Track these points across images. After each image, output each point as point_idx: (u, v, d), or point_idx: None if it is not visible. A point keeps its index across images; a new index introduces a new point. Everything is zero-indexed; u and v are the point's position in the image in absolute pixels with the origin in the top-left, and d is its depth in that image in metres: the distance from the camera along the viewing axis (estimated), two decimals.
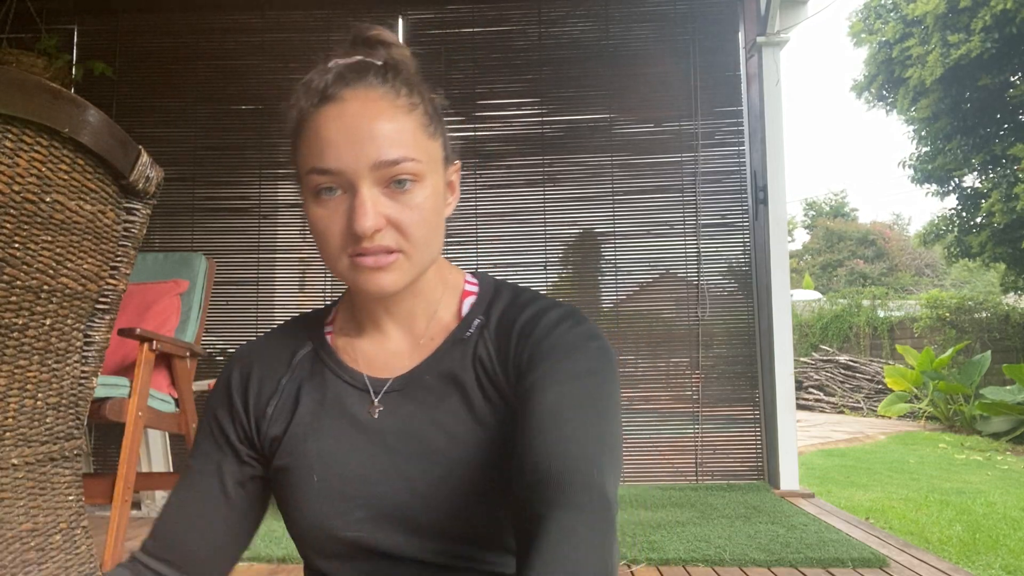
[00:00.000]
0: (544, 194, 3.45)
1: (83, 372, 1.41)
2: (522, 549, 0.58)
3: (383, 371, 0.76)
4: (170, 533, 0.76)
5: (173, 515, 0.77)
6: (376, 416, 0.74)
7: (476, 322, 0.75)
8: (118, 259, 1.41)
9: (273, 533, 2.32)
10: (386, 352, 0.76)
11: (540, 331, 0.70)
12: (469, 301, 0.77)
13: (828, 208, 30.15)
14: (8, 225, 1.14)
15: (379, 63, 0.73)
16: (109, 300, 1.43)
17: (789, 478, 3.05)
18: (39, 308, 1.26)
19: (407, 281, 0.69)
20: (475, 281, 0.80)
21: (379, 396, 0.74)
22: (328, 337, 0.80)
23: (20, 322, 1.22)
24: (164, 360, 2.50)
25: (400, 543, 0.70)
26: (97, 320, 1.41)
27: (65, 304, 1.32)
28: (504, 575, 0.72)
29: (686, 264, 3.39)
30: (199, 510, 0.76)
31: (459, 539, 0.70)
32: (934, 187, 11.45)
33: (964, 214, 11.19)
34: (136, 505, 2.81)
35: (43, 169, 1.17)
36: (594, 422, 0.63)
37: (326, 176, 0.66)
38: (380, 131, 0.65)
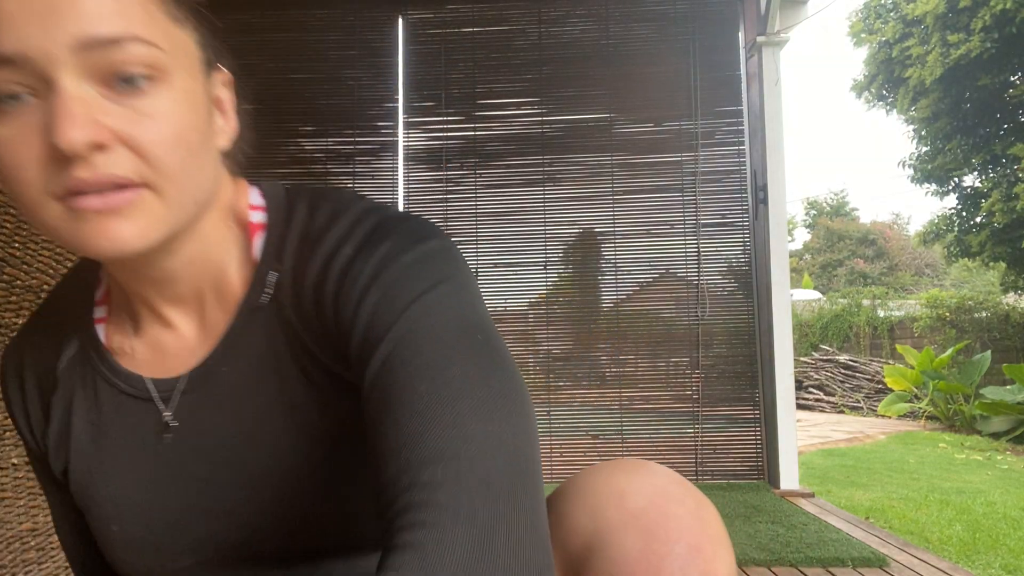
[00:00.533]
0: (544, 194, 3.44)
1: None
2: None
3: (169, 369, 0.55)
4: (93, 563, 0.63)
5: (81, 549, 0.63)
6: (169, 435, 0.54)
7: (270, 278, 0.53)
8: None
9: None
10: (171, 343, 0.55)
11: (336, 279, 0.49)
12: (259, 242, 0.54)
13: (828, 208, 30.15)
14: (8, 225, 1.14)
15: None
16: None
17: (789, 478, 3.05)
18: None
19: (161, 232, 0.45)
20: (262, 205, 0.57)
21: (168, 405, 0.54)
22: (99, 327, 0.57)
23: (20, 322, 1.22)
24: None
25: None
26: None
27: None
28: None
29: (686, 264, 3.39)
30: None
31: (309, 556, 0.55)
32: (934, 187, 11.45)
33: (964, 214, 11.18)
34: None
35: None
36: (444, 396, 0.43)
37: (3, 69, 0.41)
38: None
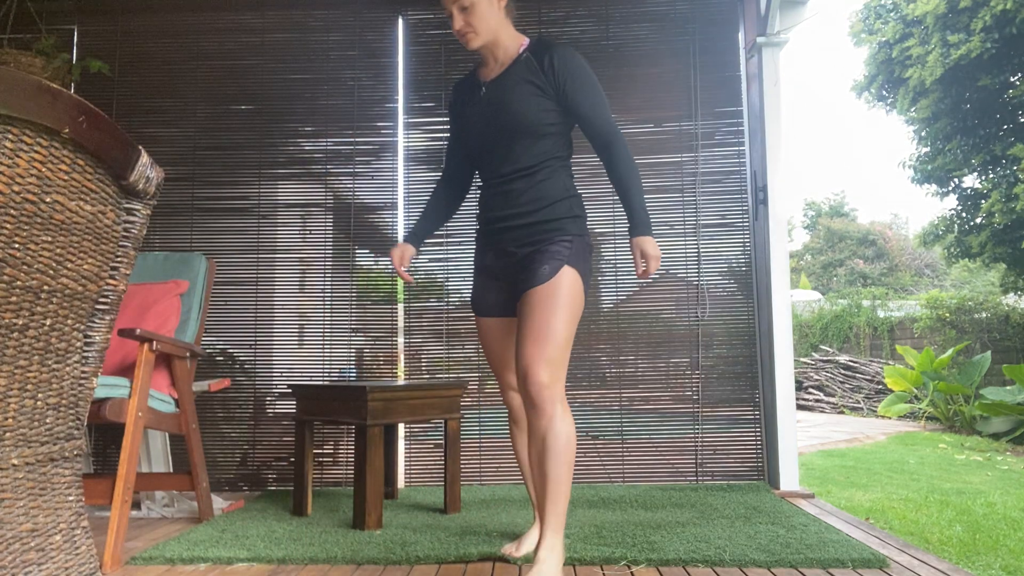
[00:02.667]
0: None
1: (83, 372, 1.40)
2: (604, 158, 1.91)
3: (487, 76, 1.94)
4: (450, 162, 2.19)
5: (451, 161, 2.19)
6: (483, 93, 1.91)
7: (524, 53, 1.88)
8: (118, 260, 1.41)
9: (273, 534, 2.31)
10: (490, 71, 1.94)
11: (550, 58, 1.83)
12: (524, 44, 1.90)
13: (827, 208, 30.16)
14: (8, 225, 1.14)
15: None
16: (109, 300, 1.42)
17: (789, 478, 3.05)
18: (39, 308, 1.26)
19: (482, 42, 1.87)
20: (526, 40, 1.91)
21: (485, 85, 1.92)
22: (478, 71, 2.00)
23: (20, 322, 1.22)
24: (164, 360, 2.50)
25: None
26: (97, 320, 1.41)
27: (65, 305, 1.32)
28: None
29: (686, 264, 3.39)
30: None
31: (514, 156, 1.88)
32: (934, 187, 11.45)
33: (964, 214, 11.18)
34: (136, 505, 2.81)
35: (43, 169, 1.17)
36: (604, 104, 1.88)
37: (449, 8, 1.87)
38: None
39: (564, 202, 1.89)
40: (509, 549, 2.02)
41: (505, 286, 1.94)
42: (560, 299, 1.76)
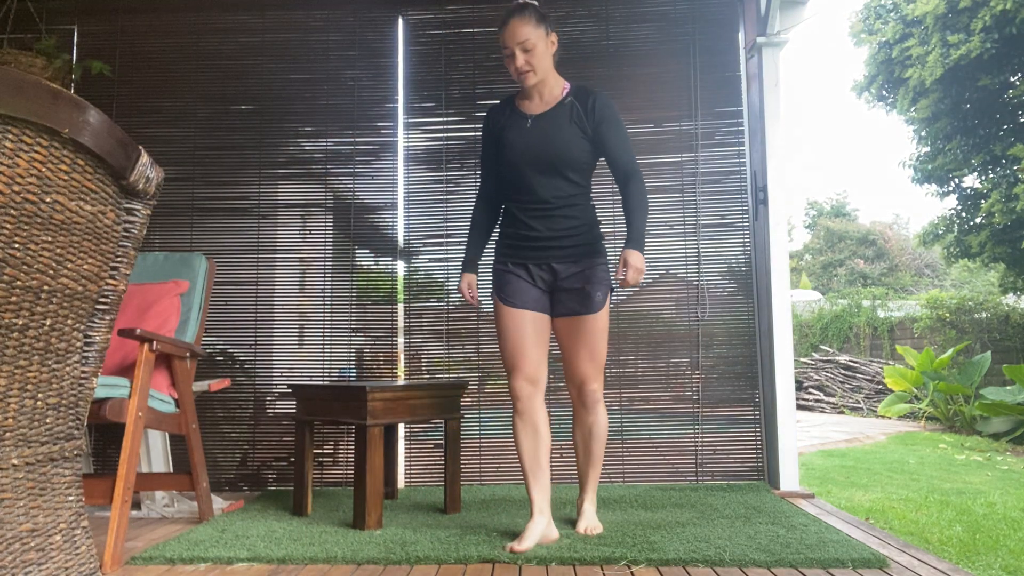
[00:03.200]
0: None
1: (83, 372, 1.40)
2: (623, 190, 2.19)
3: (531, 111, 2.26)
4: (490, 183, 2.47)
5: (490, 181, 2.44)
6: (528, 124, 2.23)
7: (567, 97, 2.23)
8: (118, 259, 1.41)
9: (273, 534, 2.31)
10: (534, 105, 2.26)
11: (592, 101, 2.21)
12: (567, 88, 2.26)
13: (828, 208, 30.16)
14: (8, 225, 1.14)
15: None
16: (109, 300, 1.42)
17: (789, 478, 3.05)
18: (39, 308, 1.26)
19: (536, 80, 2.20)
20: (568, 85, 2.27)
21: (529, 119, 2.24)
22: (517, 101, 2.32)
23: (20, 322, 1.22)
24: (164, 360, 2.50)
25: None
26: (97, 320, 1.41)
27: (65, 305, 1.32)
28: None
29: (686, 264, 3.39)
30: None
31: (556, 185, 2.22)
32: (934, 187, 11.45)
33: (964, 214, 11.18)
34: (136, 505, 2.81)
35: (43, 169, 1.17)
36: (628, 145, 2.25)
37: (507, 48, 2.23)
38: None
39: (597, 227, 2.29)
40: (512, 546, 2.03)
41: (545, 289, 2.27)
42: (604, 323, 2.23)
